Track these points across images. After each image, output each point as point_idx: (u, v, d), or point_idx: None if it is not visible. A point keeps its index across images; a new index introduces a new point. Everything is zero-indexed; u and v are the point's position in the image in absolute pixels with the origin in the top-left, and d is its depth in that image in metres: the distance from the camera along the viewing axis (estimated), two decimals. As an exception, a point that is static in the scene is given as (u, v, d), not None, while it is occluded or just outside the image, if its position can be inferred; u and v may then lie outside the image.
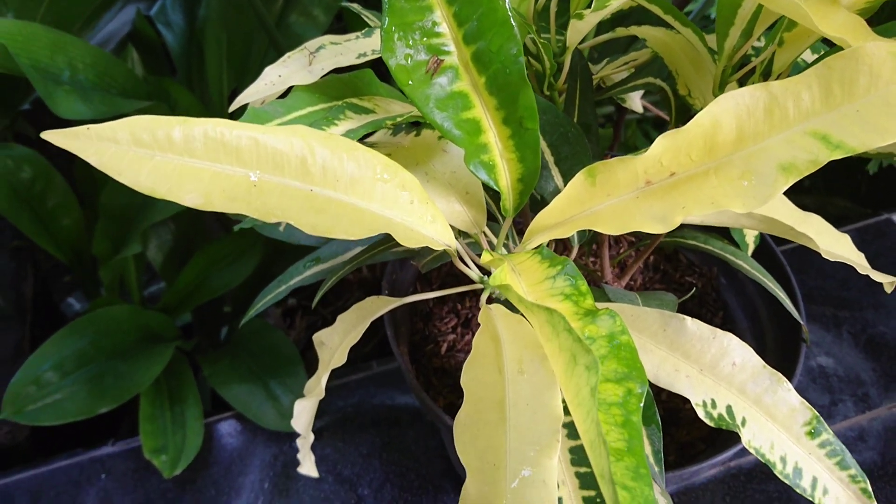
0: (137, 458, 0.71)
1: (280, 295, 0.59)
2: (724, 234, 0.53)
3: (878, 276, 0.42)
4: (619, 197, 0.35)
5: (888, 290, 0.45)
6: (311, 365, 0.76)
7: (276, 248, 0.82)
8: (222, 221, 0.96)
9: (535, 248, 0.36)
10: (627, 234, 0.64)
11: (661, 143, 0.33)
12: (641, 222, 0.33)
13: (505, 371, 0.33)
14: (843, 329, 0.79)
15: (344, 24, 0.92)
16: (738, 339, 0.38)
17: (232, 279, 0.80)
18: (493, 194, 0.42)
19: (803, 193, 1.02)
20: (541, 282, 0.33)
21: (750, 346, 0.58)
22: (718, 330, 0.38)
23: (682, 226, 0.61)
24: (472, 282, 0.40)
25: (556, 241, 0.50)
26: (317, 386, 0.46)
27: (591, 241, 0.54)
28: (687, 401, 0.56)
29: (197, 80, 0.87)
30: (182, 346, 0.78)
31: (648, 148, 0.32)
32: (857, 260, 0.42)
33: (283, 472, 0.70)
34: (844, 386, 0.74)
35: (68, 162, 0.90)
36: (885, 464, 0.68)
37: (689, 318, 0.38)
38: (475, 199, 0.40)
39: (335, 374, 0.78)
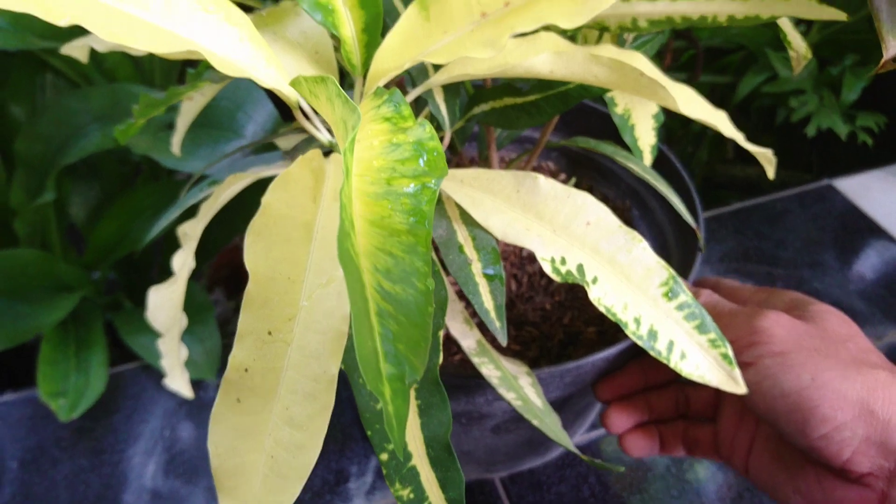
0: (34, 406, 0.68)
1: (175, 216, 0.57)
2: (620, 144, 0.51)
3: (751, 147, 0.41)
4: (455, 34, 0.33)
5: (769, 172, 0.43)
6: (229, 331, 0.73)
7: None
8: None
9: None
10: (521, 139, 0.62)
11: (487, -41, 0.31)
12: (472, 49, 0.32)
13: (321, 200, 0.31)
14: (776, 286, 0.77)
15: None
16: (593, 198, 0.36)
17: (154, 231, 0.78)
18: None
19: (749, 164, 1.01)
20: (367, 112, 0.31)
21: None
22: (574, 189, 0.36)
23: (575, 132, 0.60)
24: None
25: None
26: (178, 276, 0.43)
27: (486, 146, 0.52)
28: (589, 324, 0.54)
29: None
30: (95, 299, 0.76)
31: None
32: (732, 133, 0.40)
33: (186, 420, 0.67)
34: (775, 339, 0.72)
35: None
36: (812, 413, 0.65)
37: (542, 177, 0.36)
38: (324, 58, 0.38)
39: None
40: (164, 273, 0.87)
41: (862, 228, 0.83)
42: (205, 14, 0.32)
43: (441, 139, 0.46)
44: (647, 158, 0.51)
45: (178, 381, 0.48)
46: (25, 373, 0.83)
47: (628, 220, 0.61)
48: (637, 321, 0.34)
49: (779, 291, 0.41)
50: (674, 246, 0.57)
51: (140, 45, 0.29)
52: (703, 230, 0.52)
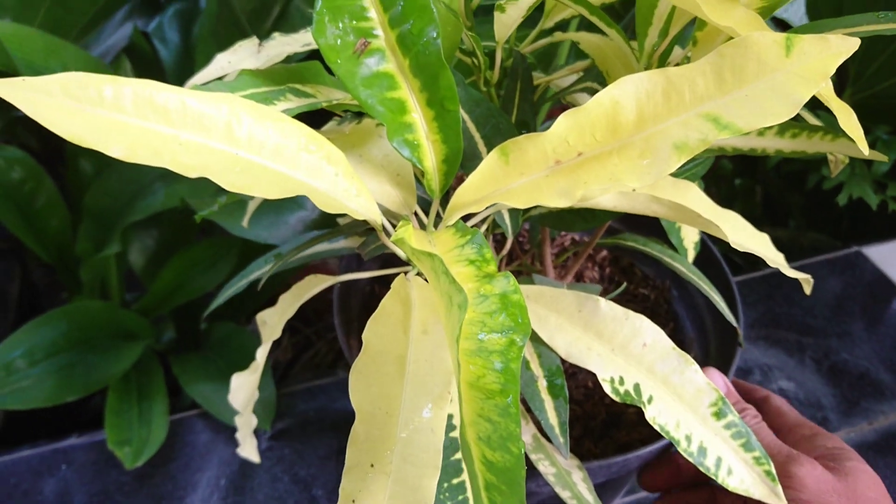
0: (99, 451, 0.72)
1: (241, 287, 0.61)
2: (667, 240, 0.55)
3: (793, 273, 0.44)
4: (530, 176, 0.37)
5: (807, 290, 0.46)
6: (284, 378, 0.77)
7: (252, 256, 0.84)
8: (206, 231, 0.98)
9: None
10: (572, 234, 0.66)
11: (565, 121, 0.35)
12: (548, 197, 0.35)
13: (410, 332, 0.34)
14: (806, 354, 0.79)
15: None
16: (649, 321, 0.39)
17: (209, 282, 0.83)
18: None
19: (779, 227, 1.04)
20: (450, 250, 0.35)
21: (696, 354, 0.59)
22: (631, 312, 0.39)
23: (623, 229, 0.63)
24: (406, 264, 0.42)
25: (496, 235, 0.52)
26: (256, 362, 0.47)
27: (539, 242, 0.56)
28: (630, 405, 0.57)
29: (188, 93, 0.91)
30: (153, 345, 0.80)
31: (553, 124, 0.35)
32: (773, 257, 0.43)
33: (240, 470, 0.70)
34: (804, 409, 0.74)
35: (59, 167, 0.94)
36: (840, 487, 0.68)
37: (603, 300, 0.40)
38: (405, 181, 0.42)
39: (300, 378, 0.79)
40: (215, 319, 0.91)
41: (890, 297, 0.85)
42: (308, 155, 0.36)
43: (503, 244, 0.50)
44: (691, 255, 0.54)
45: (249, 450, 0.52)
46: (88, 415, 0.87)
47: (668, 300, 0.64)
48: (688, 439, 0.37)
49: (823, 434, 0.43)
50: (712, 330, 0.60)
51: (258, 193, 0.33)
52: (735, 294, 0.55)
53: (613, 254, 0.68)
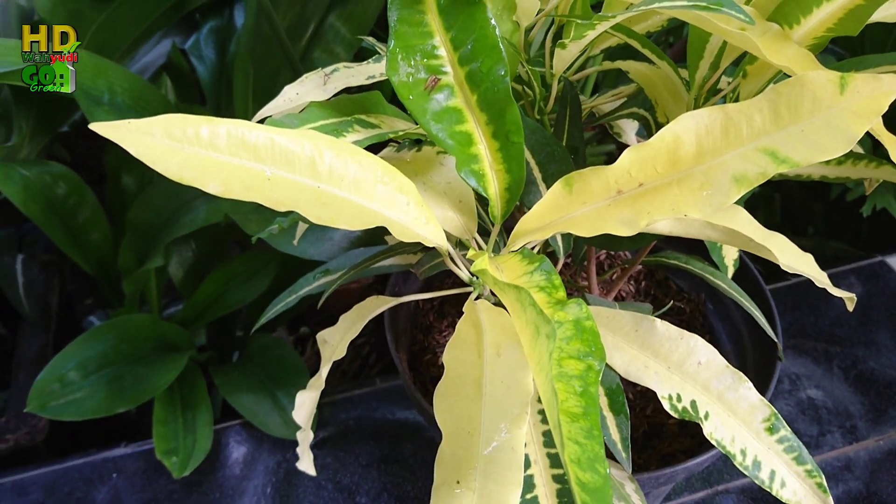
0: (148, 460, 0.74)
1: (290, 303, 0.63)
2: (706, 256, 0.57)
3: (836, 292, 0.46)
4: (593, 205, 0.39)
5: (849, 306, 0.48)
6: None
7: (289, 269, 0.86)
8: (240, 243, 1.01)
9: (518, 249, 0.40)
10: (616, 252, 0.68)
11: (629, 155, 0.37)
12: (611, 226, 0.37)
13: (484, 354, 0.36)
14: (833, 363, 0.81)
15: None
16: (703, 340, 0.41)
17: (247, 295, 0.85)
18: (485, 204, 0.46)
19: (801, 236, 1.05)
20: (519, 276, 0.37)
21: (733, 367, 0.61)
22: (686, 332, 0.41)
23: (665, 246, 0.65)
24: (464, 285, 0.44)
25: (546, 255, 0.54)
26: (318, 379, 0.49)
27: (582, 259, 0.58)
28: (671, 417, 0.59)
29: (225, 109, 0.93)
30: (195, 357, 0.82)
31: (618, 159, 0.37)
32: (819, 277, 0.45)
33: (285, 479, 0.73)
34: (833, 418, 0.76)
35: (100, 182, 0.96)
36: (870, 494, 0.69)
37: (658, 320, 0.42)
38: (467, 207, 0.44)
39: (340, 388, 0.82)
40: (247, 329, 0.93)
41: (914, 307, 0.87)
42: (382, 186, 0.38)
43: (556, 263, 0.52)
44: (730, 272, 0.56)
45: (306, 463, 0.54)
46: (123, 422, 0.90)
47: (703, 314, 0.66)
48: (743, 453, 0.39)
49: None
50: (748, 343, 0.62)
51: (342, 225, 0.36)
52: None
53: (648, 267, 0.70)
